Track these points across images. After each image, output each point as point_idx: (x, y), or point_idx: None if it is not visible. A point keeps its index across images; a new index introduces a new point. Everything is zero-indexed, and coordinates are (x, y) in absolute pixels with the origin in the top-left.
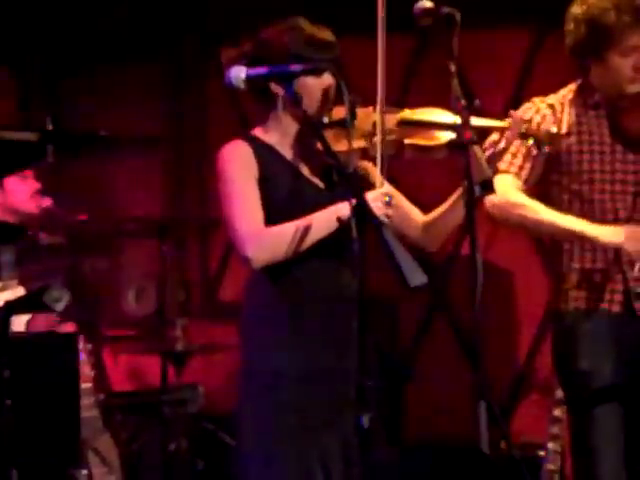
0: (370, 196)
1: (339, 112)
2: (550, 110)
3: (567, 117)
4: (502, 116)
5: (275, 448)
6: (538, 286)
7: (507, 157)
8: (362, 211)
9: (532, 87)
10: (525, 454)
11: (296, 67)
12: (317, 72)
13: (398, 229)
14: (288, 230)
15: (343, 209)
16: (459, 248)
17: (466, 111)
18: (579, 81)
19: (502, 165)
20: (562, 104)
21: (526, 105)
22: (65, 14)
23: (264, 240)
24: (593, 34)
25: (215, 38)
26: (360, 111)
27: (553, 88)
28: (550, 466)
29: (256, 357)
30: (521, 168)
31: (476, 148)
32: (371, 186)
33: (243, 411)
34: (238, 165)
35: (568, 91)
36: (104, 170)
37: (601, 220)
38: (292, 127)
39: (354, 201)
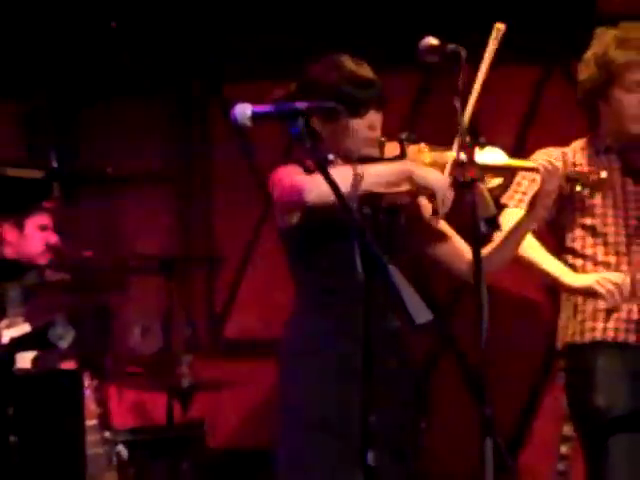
0: None
1: (391, 148)
2: (562, 156)
3: (579, 160)
4: (508, 153)
5: None
6: (541, 320)
7: (518, 195)
8: (369, 252)
9: (538, 125)
10: None
11: (301, 105)
12: (359, 112)
13: (448, 263)
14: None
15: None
16: (465, 283)
17: (471, 148)
18: (590, 134)
19: (512, 202)
20: (574, 150)
21: (538, 152)
22: (72, 53)
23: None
24: (598, 72)
25: (220, 79)
26: (411, 148)
27: (558, 125)
28: None
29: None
30: (520, 202)
31: (481, 185)
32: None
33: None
34: (292, 169)
35: (580, 142)
36: (111, 207)
37: (614, 252)
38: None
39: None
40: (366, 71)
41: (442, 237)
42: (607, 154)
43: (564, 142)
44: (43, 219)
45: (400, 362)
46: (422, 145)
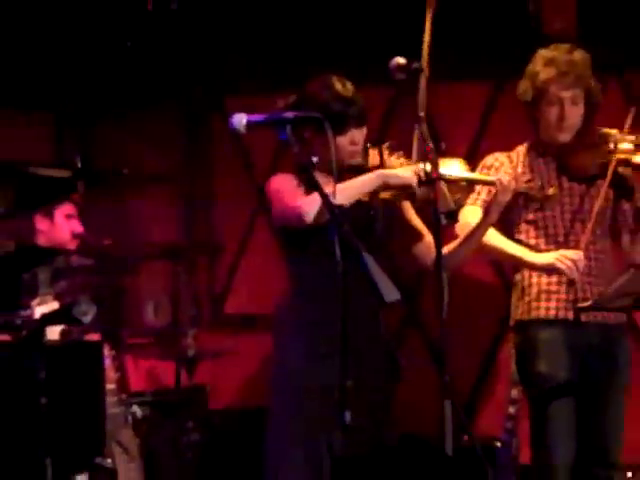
0: None
1: (373, 157)
2: (507, 159)
3: (521, 163)
4: (465, 158)
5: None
6: (494, 300)
7: (474, 195)
8: (346, 242)
9: (491, 132)
10: (485, 445)
11: (289, 115)
12: (343, 130)
13: (420, 258)
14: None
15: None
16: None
17: (433, 152)
18: (530, 140)
19: (469, 200)
20: (517, 154)
21: (487, 158)
22: (94, 70)
23: (310, 199)
24: (530, 87)
25: (221, 90)
26: (390, 158)
27: (509, 133)
28: (505, 454)
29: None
30: (485, 202)
31: (442, 183)
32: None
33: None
34: (285, 179)
35: (522, 147)
36: (126, 202)
37: (554, 242)
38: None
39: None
40: (349, 91)
41: (417, 236)
42: (545, 157)
43: (512, 149)
44: (69, 209)
45: (374, 335)
46: (400, 153)
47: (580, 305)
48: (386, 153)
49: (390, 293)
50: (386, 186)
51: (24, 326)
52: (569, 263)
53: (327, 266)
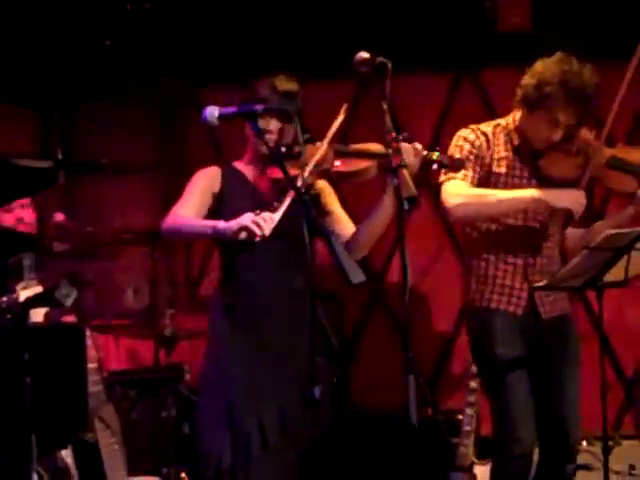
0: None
1: (297, 147)
2: (485, 138)
3: (496, 150)
4: (428, 147)
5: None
6: (456, 285)
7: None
8: (312, 223)
9: (450, 124)
10: (447, 418)
11: (258, 107)
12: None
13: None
14: (186, 220)
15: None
16: (394, 254)
17: (396, 141)
18: (510, 119)
19: (449, 174)
20: (494, 135)
21: (467, 131)
22: (75, 69)
23: (172, 220)
24: (537, 91)
25: (194, 83)
26: (309, 146)
27: (467, 123)
28: (467, 427)
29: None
30: (465, 176)
31: (404, 170)
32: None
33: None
34: (200, 178)
35: (499, 127)
36: (106, 191)
37: (513, 237)
38: (257, 156)
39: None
40: (287, 86)
41: (332, 217)
42: (520, 149)
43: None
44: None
45: (303, 315)
46: (318, 144)
47: (535, 285)
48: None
49: (355, 275)
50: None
51: (9, 309)
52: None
53: (248, 253)
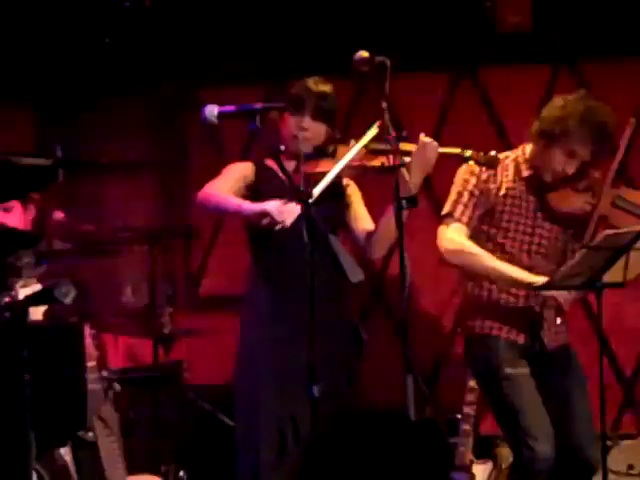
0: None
1: (330, 147)
2: (493, 180)
3: (505, 181)
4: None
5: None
6: (455, 282)
7: (460, 208)
8: (311, 222)
9: (449, 123)
10: (446, 417)
11: (257, 106)
12: (296, 111)
13: (351, 235)
14: (220, 195)
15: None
16: (393, 253)
17: (395, 140)
18: (519, 151)
19: (456, 214)
20: (502, 166)
21: (474, 169)
22: (75, 66)
23: (206, 192)
24: (556, 124)
25: (195, 81)
26: (342, 147)
27: (465, 124)
28: (466, 426)
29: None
30: (470, 219)
31: (403, 170)
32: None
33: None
34: (234, 168)
35: (507, 158)
36: (105, 189)
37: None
38: (289, 153)
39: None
40: (318, 86)
41: (353, 213)
42: (526, 183)
43: (470, 137)
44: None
45: (338, 312)
46: (352, 141)
47: (535, 284)
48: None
49: (355, 273)
50: None
51: (8, 307)
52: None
53: (288, 248)
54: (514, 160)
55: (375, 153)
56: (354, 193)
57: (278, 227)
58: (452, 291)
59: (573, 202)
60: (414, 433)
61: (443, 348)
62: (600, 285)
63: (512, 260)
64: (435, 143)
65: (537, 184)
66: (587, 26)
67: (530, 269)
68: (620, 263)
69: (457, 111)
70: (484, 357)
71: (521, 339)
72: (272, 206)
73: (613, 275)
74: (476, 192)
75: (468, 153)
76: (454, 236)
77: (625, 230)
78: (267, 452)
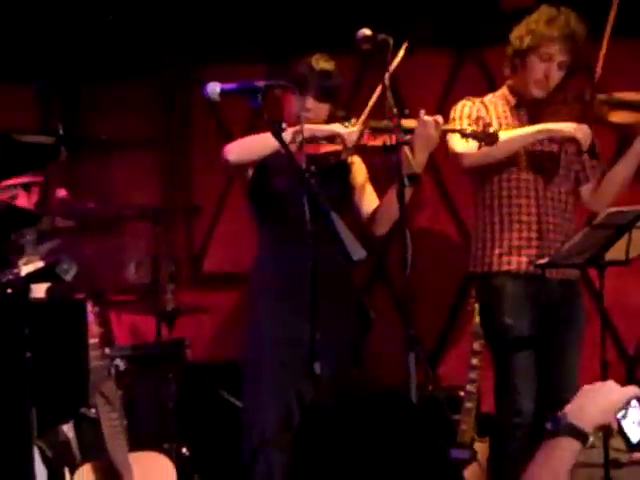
0: None
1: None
2: (482, 104)
3: (494, 112)
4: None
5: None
6: (457, 256)
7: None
8: (314, 202)
9: (453, 99)
10: (448, 395)
11: (260, 83)
12: (300, 91)
13: (356, 211)
14: (247, 137)
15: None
16: (395, 229)
17: (397, 118)
18: (504, 88)
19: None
20: (492, 102)
21: (463, 101)
22: (76, 43)
23: (234, 145)
24: (526, 37)
25: (197, 59)
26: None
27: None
28: (468, 404)
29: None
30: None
31: (406, 148)
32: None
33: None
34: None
35: (496, 95)
36: (108, 167)
37: (526, 196)
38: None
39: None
40: (324, 65)
41: (358, 189)
42: (518, 109)
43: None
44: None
45: (344, 289)
46: (353, 120)
47: (538, 262)
48: (343, 122)
49: (356, 251)
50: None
51: (10, 284)
52: (584, 131)
53: (294, 225)
54: (500, 96)
55: (377, 132)
56: (359, 170)
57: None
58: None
59: (565, 113)
60: (415, 410)
61: (446, 325)
62: (603, 263)
63: (519, 192)
64: (437, 119)
65: (527, 106)
66: (591, 5)
67: (540, 199)
68: (623, 241)
69: (461, 90)
70: (489, 300)
71: (538, 270)
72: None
73: (616, 253)
74: (472, 115)
75: (469, 129)
76: (461, 144)
77: (628, 208)
78: (273, 430)
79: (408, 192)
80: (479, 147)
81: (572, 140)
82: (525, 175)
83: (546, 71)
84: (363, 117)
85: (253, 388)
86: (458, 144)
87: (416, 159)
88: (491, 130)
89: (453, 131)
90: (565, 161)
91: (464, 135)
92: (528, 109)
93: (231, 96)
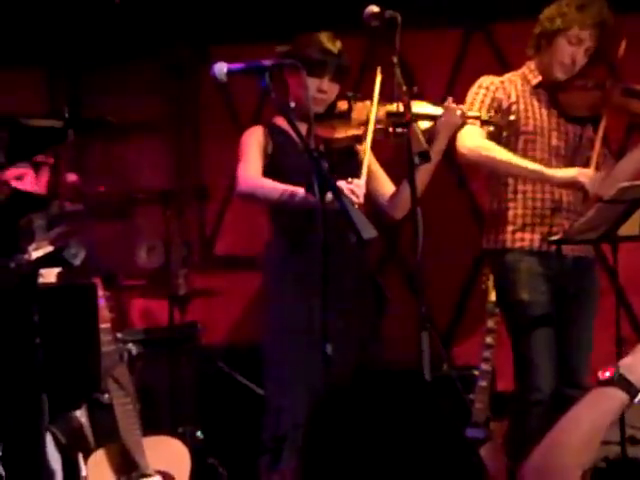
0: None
1: (341, 105)
2: (501, 84)
3: (514, 91)
4: (439, 101)
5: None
6: (470, 233)
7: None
8: (323, 181)
9: (462, 80)
10: (462, 374)
11: (267, 62)
12: (316, 74)
13: (373, 197)
14: (266, 184)
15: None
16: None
17: (406, 96)
18: (524, 68)
19: (469, 120)
20: (511, 81)
21: (483, 78)
22: (83, 26)
23: (250, 183)
24: (556, 19)
25: (207, 39)
26: (358, 104)
27: (479, 77)
28: (483, 383)
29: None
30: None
31: (415, 125)
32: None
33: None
34: (251, 136)
35: (516, 74)
36: (118, 150)
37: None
38: (301, 115)
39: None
40: (334, 46)
41: (373, 175)
42: (537, 89)
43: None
44: (21, 171)
45: (360, 272)
46: (367, 102)
47: (551, 238)
48: (352, 101)
49: (367, 230)
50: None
51: (19, 269)
52: (590, 178)
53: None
54: (520, 75)
55: (388, 117)
56: (370, 156)
57: (357, 206)
58: None
59: (584, 99)
60: (430, 390)
61: (459, 304)
62: (616, 238)
63: (537, 159)
64: (462, 108)
65: (548, 87)
66: None
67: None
68: (637, 216)
69: (470, 66)
70: (505, 276)
71: (544, 246)
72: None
73: (629, 228)
74: (486, 100)
75: (487, 116)
76: (469, 138)
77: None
78: (297, 413)
79: (427, 173)
80: (490, 82)
81: (573, 186)
82: (540, 154)
83: (573, 55)
84: (375, 100)
85: (277, 373)
86: (465, 136)
87: (438, 145)
88: (511, 118)
89: (473, 118)
90: (579, 143)
91: (483, 122)
92: (548, 90)
93: (239, 76)
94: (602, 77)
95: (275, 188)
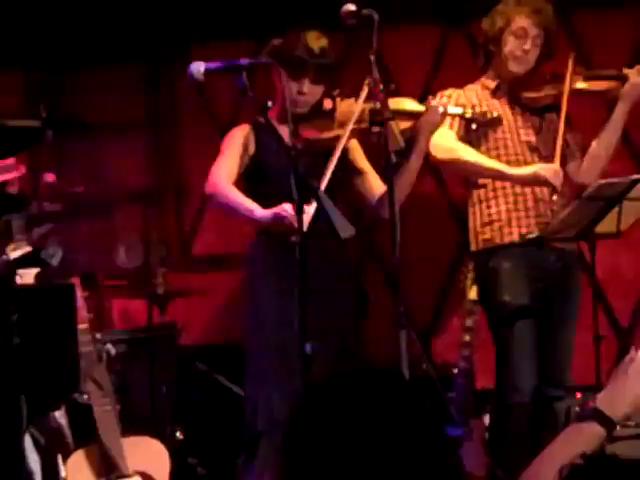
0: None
1: (327, 104)
2: (462, 91)
3: (475, 96)
4: (418, 100)
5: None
6: (449, 233)
7: (448, 119)
8: (301, 181)
9: (440, 77)
10: (442, 372)
11: (244, 61)
12: (296, 75)
13: (362, 196)
14: (230, 195)
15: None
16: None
17: (383, 94)
18: (482, 78)
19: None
20: (470, 89)
21: (441, 91)
22: (61, 28)
23: (217, 188)
24: (498, 20)
25: (185, 40)
26: (342, 103)
27: (456, 76)
28: (462, 381)
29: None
30: (451, 125)
31: (392, 124)
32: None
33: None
34: (231, 139)
35: (474, 86)
36: (97, 150)
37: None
38: (286, 115)
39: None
40: (318, 45)
41: (362, 175)
42: (497, 93)
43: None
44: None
45: (344, 272)
46: (352, 100)
47: (528, 237)
48: (338, 99)
49: (345, 229)
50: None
51: None
52: (552, 172)
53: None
54: (478, 83)
55: (405, 115)
56: (359, 155)
57: (294, 239)
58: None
59: (545, 89)
60: (408, 388)
61: (438, 302)
62: (594, 236)
63: (509, 165)
64: (445, 105)
65: (507, 85)
66: None
67: (521, 163)
68: (614, 213)
69: (449, 65)
70: (487, 277)
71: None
72: (285, 211)
73: (607, 226)
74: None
75: (469, 114)
76: (441, 142)
77: (617, 180)
78: (273, 410)
79: (413, 173)
80: (458, 134)
81: (536, 182)
82: (513, 150)
83: (523, 45)
84: (361, 99)
85: (256, 369)
86: (437, 138)
87: (420, 144)
88: (495, 114)
89: (454, 115)
90: (549, 133)
91: (466, 120)
92: (508, 89)
93: (216, 75)
94: (559, 68)
95: (235, 201)
